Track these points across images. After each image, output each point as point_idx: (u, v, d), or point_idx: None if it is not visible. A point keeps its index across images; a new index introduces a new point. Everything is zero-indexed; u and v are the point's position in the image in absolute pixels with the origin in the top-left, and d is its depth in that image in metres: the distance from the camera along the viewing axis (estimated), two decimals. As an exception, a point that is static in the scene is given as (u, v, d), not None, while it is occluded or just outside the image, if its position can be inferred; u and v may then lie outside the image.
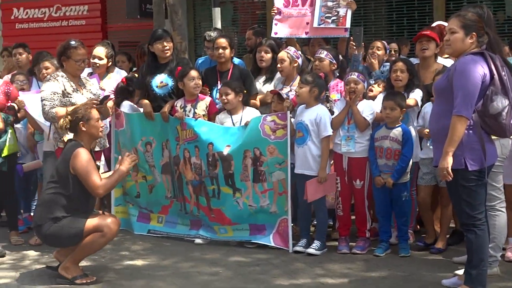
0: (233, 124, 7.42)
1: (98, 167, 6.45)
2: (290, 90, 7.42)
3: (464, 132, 5.21)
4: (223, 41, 7.83)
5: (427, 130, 6.46)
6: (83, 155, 6.21)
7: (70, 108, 6.57)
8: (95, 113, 6.44)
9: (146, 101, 7.75)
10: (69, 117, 6.35)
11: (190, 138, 7.50)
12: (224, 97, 7.34)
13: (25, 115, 7.87)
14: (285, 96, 7.23)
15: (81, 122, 6.30)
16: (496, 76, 5.20)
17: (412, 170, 6.95)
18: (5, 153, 7.62)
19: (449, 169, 5.20)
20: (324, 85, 7.13)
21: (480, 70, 5.18)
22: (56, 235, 6.20)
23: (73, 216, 6.22)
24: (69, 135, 6.67)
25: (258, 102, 7.68)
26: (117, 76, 8.27)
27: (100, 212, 6.67)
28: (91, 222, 6.21)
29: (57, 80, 7.08)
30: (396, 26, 10.89)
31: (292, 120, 7.11)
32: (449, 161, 5.20)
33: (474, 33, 5.31)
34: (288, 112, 7.08)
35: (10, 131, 7.72)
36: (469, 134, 5.26)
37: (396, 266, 6.44)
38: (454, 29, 5.35)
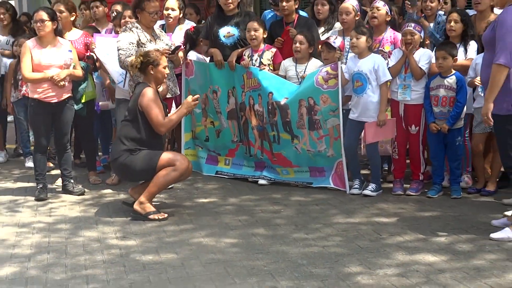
0: (297, 73, 7.41)
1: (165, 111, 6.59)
2: (337, 37, 7.31)
3: (504, 79, 5.17)
4: None
5: (478, 78, 6.39)
6: (149, 93, 6.38)
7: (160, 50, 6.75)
8: (164, 60, 6.57)
9: (216, 49, 7.78)
10: (141, 57, 6.50)
11: (254, 86, 7.55)
12: (298, 45, 7.31)
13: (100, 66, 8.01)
14: (333, 44, 7.18)
15: (151, 65, 6.46)
16: None
17: (465, 118, 6.91)
18: (84, 99, 7.79)
19: (489, 115, 5.21)
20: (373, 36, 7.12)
21: None
22: (131, 166, 6.36)
23: (147, 149, 6.40)
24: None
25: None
26: (187, 27, 8.32)
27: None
28: (165, 155, 6.39)
29: (132, 31, 7.18)
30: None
31: (344, 70, 7.10)
32: (490, 107, 5.21)
33: None
34: (339, 62, 7.07)
35: (89, 79, 7.90)
36: (510, 81, 5.23)
37: (448, 207, 6.45)
38: None
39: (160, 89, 6.77)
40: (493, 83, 5.22)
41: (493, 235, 5.44)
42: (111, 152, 6.56)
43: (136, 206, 6.40)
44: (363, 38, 6.90)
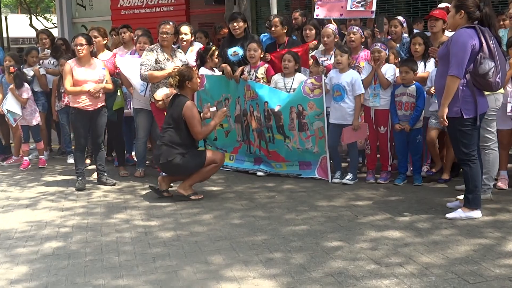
0: (285, 85, 7.38)
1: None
2: (327, 59, 7.37)
3: (457, 88, 5.20)
4: (276, 20, 7.82)
5: (433, 88, 6.37)
6: (191, 106, 6.45)
7: (164, 72, 6.70)
8: (195, 73, 6.62)
9: (226, 64, 7.77)
10: (177, 77, 6.49)
11: (253, 96, 7.52)
12: (287, 63, 7.30)
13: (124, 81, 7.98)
14: (320, 62, 7.23)
15: (187, 80, 6.46)
16: (484, 44, 5.14)
17: (424, 120, 6.88)
18: (115, 107, 7.80)
19: (445, 117, 5.25)
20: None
21: (471, 40, 5.13)
22: (185, 166, 6.44)
23: (192, 151, 6.50)
24: (158, 93, 6.84)
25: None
26: (197, 48, 8.30)
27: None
28: (210, 154, 6.56)
29: (153, 51, 7.20)
30: (412, 7, 10.63)
31: (326, 81, 7.06)
32: (445, 111, 5.24)
33: (462, 11, 5.28)
34: (323, 75, 7.06)
35: (118, 90, 7.88)
36: (464, 90, 5.25)
37: (411, 193, 6.43)
38: (449, 8, 5.42)
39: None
40: (448, 91, 5.22)
41: (448, 215, 5.43)
42: (161, 154, 6.44)
43: (180, 189, 6.50)
44: (345, 56, 6.90)
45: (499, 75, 5.21)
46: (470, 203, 5.44)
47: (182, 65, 6.85)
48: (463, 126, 5.30)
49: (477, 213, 5.43)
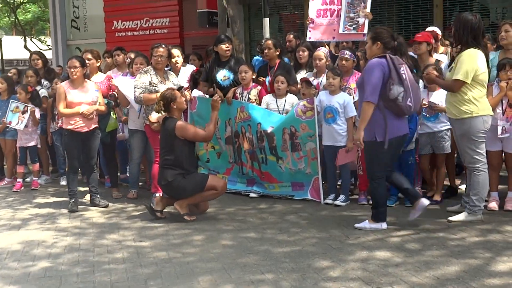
0: (277, 106, 7.46)
1: None
2: (318, 82, 7.47)
3: (372, 113, 5.61)
4: (269, 43, 7.89)
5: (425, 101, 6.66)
6: (184, 124, 6.58)
7: (158, 94, 6.78)
8: (177, 93, 6.67)
9: (218, 90, 7.75)
10: (161, 102, 6.56)
11: (245, 118, 7.58)
12: (280, 84, 7.38)
13: (121, 101, 8.01)
14: (312, 84, 7.32)
15: (172, 102, 6.54)
16: (393, 71, 5.59)
17: (415, 142, 6.95)
18: (108, 129, 7.85)
19: (361, 140, 5.65)
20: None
21: (382, 68, 5.60)
22: (185, 186, 6.48)
23: (192, 173, 6.57)
24: (153, 115, 6.88)
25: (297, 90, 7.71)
26: (190, 69, 8.39)
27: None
28: (211, 179, 6.59)
29: (146, 73, 7.23)
30: (404, 30, 10.76)
31: (316, 103, 7.12)
32: (361, 134, 5.65)
33: (378, 41, 5.75)
34: (315, 97, 7.14)
35: (112, 112, 7.94)
36: (376, 114, 5.65)
37: (403, 214, 6.41)
38: (367, 39, 5.89)
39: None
40: (363, 116, 5.66)
41: (356, 225, 5.92)
42: (162, 177, 6.54)
43: (177, 205, 6.55)
44: (338, 79, 6.99)
45: (409, 99, 5.62)
46: (375, 217, 5.88)
47: (167, 88, 6.88)
48: (376, 149, 5.70)
49: (382, 225, 5.84)
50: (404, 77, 5.61)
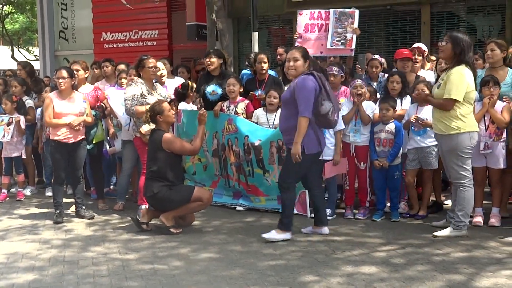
0: (267, 120, 7.49)
1: None
2: None
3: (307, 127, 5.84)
4: (264, 57, 7.93)
5: (412, 116, 6.70)
6: (171, 137, 6.58)
7: (148, 107, 6.78)
8: (166, 106, 6.68)
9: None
10: (148, 113, 6.58)
11: (232, 131, 7.60)
12: (272, 99, 7.41)
13: (110, 112, 8.03)
14: None
15: (158, 115, 6.54)
16: (322, 87, 5.88)
17: (402, 157, 7.00)
18: (95, 140, 7.81)
19: (299, 153, 5.82)
20: None
21: (314, 84, 5.85)
22: (170, 198, 6.46)
23: (178, 185, 6.58)
24: (145, 127, 6.88)
25: None
26: (178, 82, 8.41)
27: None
28: (197, 191, 6.59)
29: (136, 85, 7.21)
30: (392, 46, 10.87)
31: None
32: (298, 147, 5.82)
33: (308, 60, 6.06)
34: None
35: (99, 124, 7.92)
36: (307, 128, 5.87)
37: (389, 228, 6.49)
38: (297, 57, 6.00)
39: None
40: (300, 130, 5.82)
41: (263, 235, 6.08)
42: (147, 189, 6.56)
43: (163, 218, 6.52)
44: None
45: (336, 114, 6.01)
46: (281, 226, 6.09)
47: (159, 100, 6.89)
48: (302, 160, 5.87)
49: (287, 235, 6.06)
50: (330, 94, 5.95)
